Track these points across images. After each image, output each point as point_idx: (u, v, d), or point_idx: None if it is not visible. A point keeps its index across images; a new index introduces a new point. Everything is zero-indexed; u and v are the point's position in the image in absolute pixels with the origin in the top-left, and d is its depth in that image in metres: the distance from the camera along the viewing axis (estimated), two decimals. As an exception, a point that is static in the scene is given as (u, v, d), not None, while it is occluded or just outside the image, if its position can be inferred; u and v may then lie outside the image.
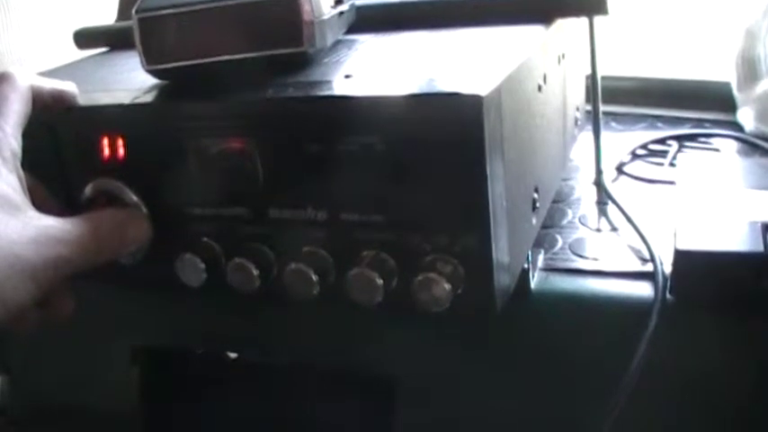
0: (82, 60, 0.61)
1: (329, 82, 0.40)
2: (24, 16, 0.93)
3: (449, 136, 0.35)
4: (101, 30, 0.65)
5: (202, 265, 0.42)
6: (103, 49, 0.64)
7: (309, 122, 0.38)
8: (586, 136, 0.63)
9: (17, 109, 0.39)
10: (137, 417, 0.60)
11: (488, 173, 0.35)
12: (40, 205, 0.38)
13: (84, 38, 0.65)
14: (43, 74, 0.52)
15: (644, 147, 0.68)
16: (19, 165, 0.38)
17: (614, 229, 0.54)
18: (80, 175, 0.44)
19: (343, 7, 0.46)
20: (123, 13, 0.66)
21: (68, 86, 0.42)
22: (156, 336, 0.59)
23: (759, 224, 0.45)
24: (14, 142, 0.38)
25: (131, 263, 0.44)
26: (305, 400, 0.57)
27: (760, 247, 0.43)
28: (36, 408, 0.65)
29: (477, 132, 0.34)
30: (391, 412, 0.52)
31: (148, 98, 0.42)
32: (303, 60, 0.42)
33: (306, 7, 0.40)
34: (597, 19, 0.55)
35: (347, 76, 0.40)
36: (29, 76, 0.40)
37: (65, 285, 0.40)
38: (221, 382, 0.61)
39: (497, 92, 0.36)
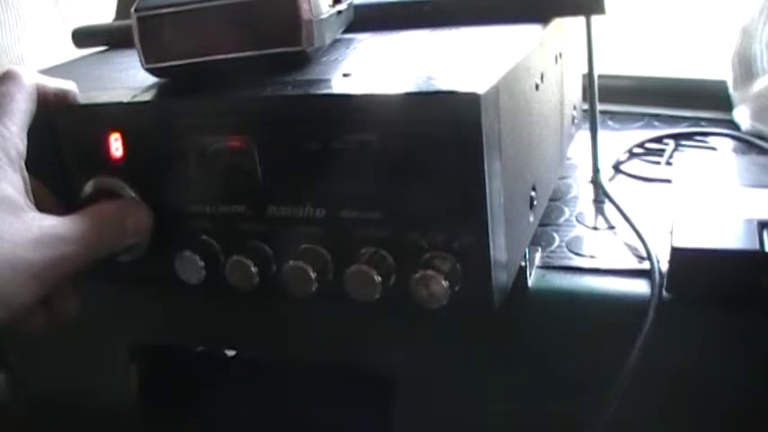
0: (80, 59, 0.61)
1: (327, 80, 0.40)
2: (24, 13, 0.93)
3: (447, 134, 0.35)
4: (99, 28, 0.65)
5: (201, 263, 0.42)
6: (102, 48, 0.64)
7: (308, 120, 0.38)
8: (584, 134, 0.63)
9: (23, 108, 0.39)
10: (136, 413, 0.60)
11: (486, 171, 0.35)
12: (42, 204, 0.38)
13: (83, 36, 0.65)
14: (42, 72, 0.52)
15: (641, 145, 0.69)
16: (23, 165, 0.38)
17: (611, 227, 0.54)
18: (79, 173, 0.44)
19: (342, 6, 0.46)
20: (121, 11, 0.66)
21: (70, 85, 0.42)
22: (155, 333, 0.59)
23: (755, 222, 0.45)
24: (20, 142, 0.38)
25: (131, 260, 0.44)
26: (304, 399, 0.57)
27: (756, 245, 0.43)
28: (36, 404, 0.66)
29: (474, 130, 0.34)
30: (390, 410, 0.52)
31: (147, 96, 0.43)
32: (301, 59, 0.43)
33: (304, 6, 0.40)
34: (594, 18, 0.55)
35: (345, 75, 0.41)
36: (34, 75, 0.40)
37: (67, 285, 0.40)
38: (220, 379, 0.61)
39: (495, 90, 0.36)
